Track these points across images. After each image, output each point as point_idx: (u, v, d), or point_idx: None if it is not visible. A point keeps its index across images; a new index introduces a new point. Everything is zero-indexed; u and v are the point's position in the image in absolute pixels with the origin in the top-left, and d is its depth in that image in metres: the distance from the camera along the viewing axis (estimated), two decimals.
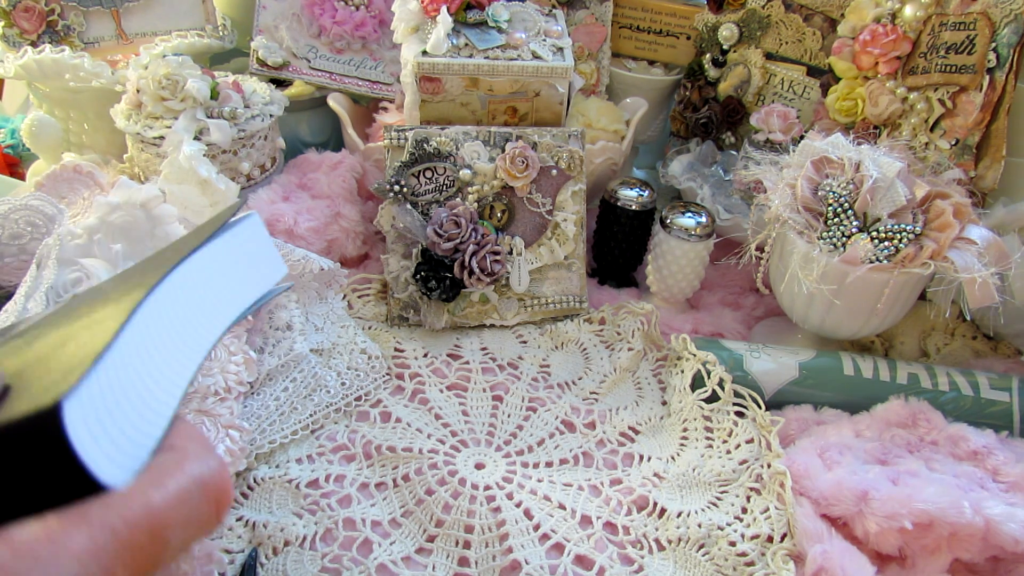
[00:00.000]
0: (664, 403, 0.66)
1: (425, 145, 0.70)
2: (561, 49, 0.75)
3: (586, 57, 0.92)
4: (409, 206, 0.70)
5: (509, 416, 0.63)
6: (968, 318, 0.72)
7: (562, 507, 0.55)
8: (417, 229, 0.70)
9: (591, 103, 0.86)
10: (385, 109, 0.86)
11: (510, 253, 0.72)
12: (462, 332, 0.71)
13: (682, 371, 0.65)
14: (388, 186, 0.70)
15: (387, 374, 0.65)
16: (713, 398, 0.62)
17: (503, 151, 0.71)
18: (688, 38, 0.93)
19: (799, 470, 0.55)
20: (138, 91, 0.71)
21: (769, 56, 0.87)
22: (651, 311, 0.70)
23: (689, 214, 0.73)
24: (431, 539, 0.52)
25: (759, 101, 0.88)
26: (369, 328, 0.70)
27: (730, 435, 0.60)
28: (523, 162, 0.70)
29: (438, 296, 0.68)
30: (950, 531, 0.49)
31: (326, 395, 0.61)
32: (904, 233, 0.60)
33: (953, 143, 0.72)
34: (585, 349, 0.70)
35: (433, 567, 0.51)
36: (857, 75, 0.77)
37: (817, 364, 0.65)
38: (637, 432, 0.62)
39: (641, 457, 0.60)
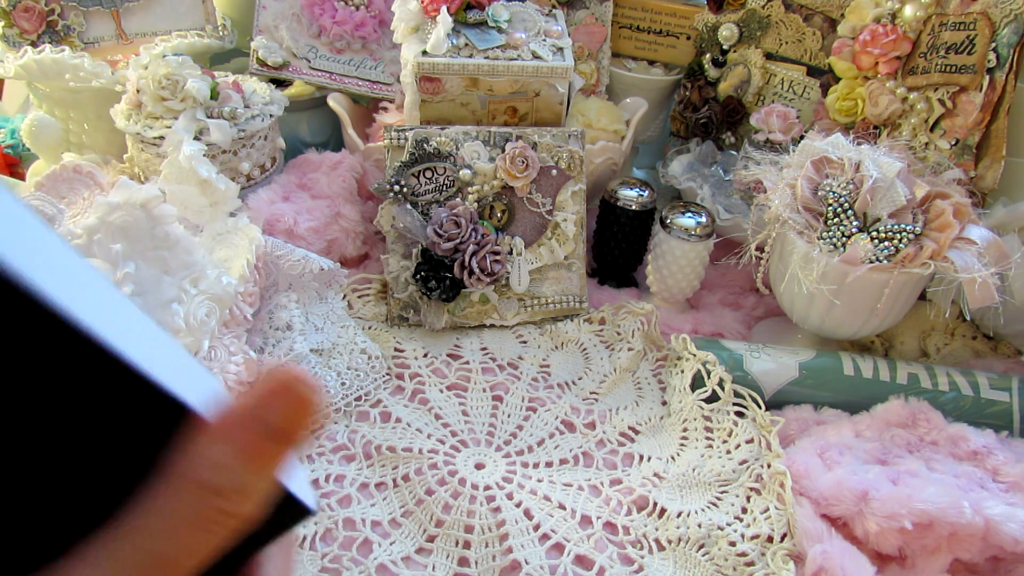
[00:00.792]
0: (664, 403, 0.66)
1: (425, 145, 0.70)
2: (561, 49, 0.75)
3: (586, 57, 0.92)
4: (409, 206, 0.70)
5: (509, 416, 0.63)
6: (968, 318, 0.72)
7: (562, 507, 0.55)
8: (417, 229, 0.70)
9: (591, 103, 0.86)
10: (385, 109, 0.86)
11: (510, 253, 0.72)
12: (462, 332, 0.71)
13: (682, 371, 0.65)
14: (388, 186, 0.70)
15: (387, 374, 0.65)
16: (713, 398, 0.62)
17: (503, 151, 0.71)
18: (688, 38, 0.93)
19: (799, 470, 0.55)
20: (138, 91, 0.71)
21: (769, 56, 0.87)
22: (651, 311, 0.70)
23: (689, 214, 0.73)
24: (431, 539, 0.52)
25: (759, 101, 0.88)
26: (369, 328, 0.70)
27: (730, 435, 0.60)
28: (523, 162, 0.70)
29: (438, 296, 0.68)
30: (950, 531, 0.49)
31: (326, 395, 0.61)
32: (904, 233, 0.60)
33: (953, 143, 0.72)
34: (585, 349, 0.70)
35: (433, 567, 0.51)
36: (857, 75, 0.77)
37: (817, 364, 0.65)
38: (637, 432, 0.62)
39: (641, 457, 0.60)
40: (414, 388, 0.64)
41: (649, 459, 0.60)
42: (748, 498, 0.56)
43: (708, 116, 0.89)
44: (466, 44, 0.73)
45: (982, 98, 0.69)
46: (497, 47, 0.73)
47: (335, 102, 0.86)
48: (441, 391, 0.64)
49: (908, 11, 0.73)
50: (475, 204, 0.71)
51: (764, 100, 0.88)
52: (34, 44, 0.79)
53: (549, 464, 0.59)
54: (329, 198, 0.76)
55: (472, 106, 0.75)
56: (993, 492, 0.53)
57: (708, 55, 0.90)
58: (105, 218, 0.55)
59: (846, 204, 0.62)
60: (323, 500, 0.54)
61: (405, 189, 0.70)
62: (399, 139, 0.71)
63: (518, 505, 0.55)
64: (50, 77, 0.76)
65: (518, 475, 0.57)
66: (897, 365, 0.65)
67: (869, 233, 0.61)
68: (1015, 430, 0.61)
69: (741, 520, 0.54)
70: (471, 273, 0.69)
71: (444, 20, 0.72)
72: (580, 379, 0.67)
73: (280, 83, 0.87)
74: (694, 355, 0.65)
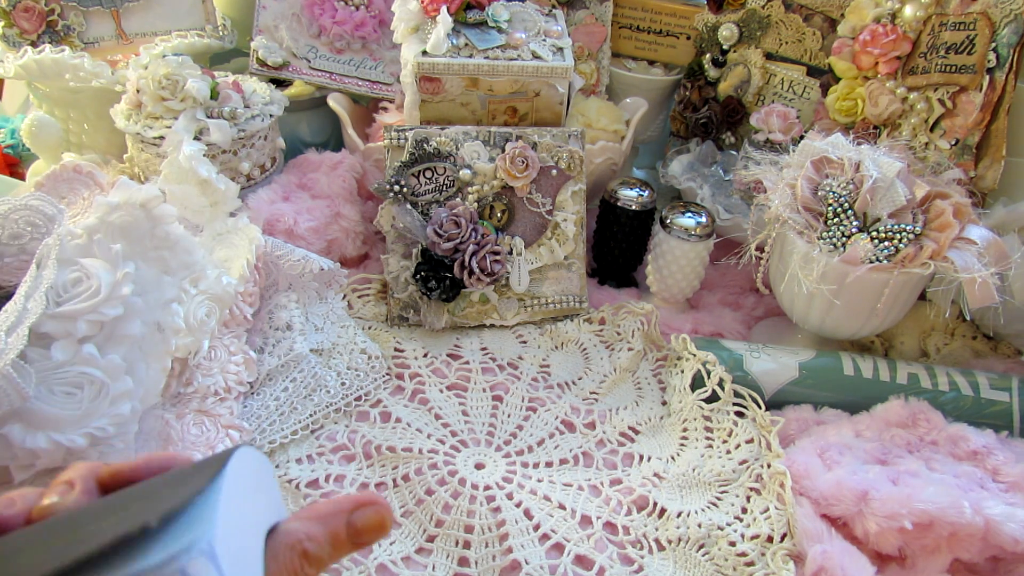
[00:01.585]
0: (664, 403, 0.66)
1: (425, 145, 0.70)
2: (561, 49, 0.75)
3: (586, 57, 0.92)
4: (409, 206, 0.70)
5: (509, 416, 0.63)
6: (968, 318, 0.72)
7: (562, 507, 0.55)
8: (417, 229, 0.70)
9: (591, 103, 0.86)
10: (385, 109, 0.86)
11: (510, 253, 0.72)
12: (462, 332, 0.71)
13: (682, 371, 0.65)
14: (388, 186, 0.70)
15: (387, 374, 0.65)
16: (713, 398, 0.62)
17: (503, 151, 0.71)
18: (688, 38, 0.93)
19: (799, 470, 0.55)
20: (138, 91, 0.71)
21: (769, 56, 0.87)
22: (651, 311, 0.70)
23: (689, 214, 0.73)
24: (431, 539, 0.52)
25: (759, 101, 0.88)
26: (369, 328, 0.70)
27: (730, 435, 0.60)
28: (523, 162, 0.70)
29: (438, 296, 0.68)
30: (950, 531, 0.49)
31: (326, 395, 0.61)
32: (904, 233, 0.60)
33: (953, 143, 0.72)
34: (585, 349, 0.70)
35: (433, 567, 0.51)
36: (857, 75, 0.77)
37: (817, 364, 0.65)
38: (637, 432, 0.62)
39: (641, 457, 0.60)
40: (414, 388, 0.64)
41: (649, 459, 0.60)
42: (748, 498, 0.56)
43: (708, 116, 0.89)
44: (466, 44, 0.73)
45: (982, 98, 0.69)
46: (497, 47, 0.73)
47: (335, 102, 0.86)
48: (441, 391, 0.64)
49: (908, 11, 0.73)
50: (475, 204, 0.71)
51: (764, 100, 0.88)
52: (34, 44, 0.79)
53: (549, 464, 0.59)
54: (329, 198, 0.76)
55: (472, 106, 0.75)
56: (993, 492, 0.53)
57: (708, 55, 0.90)
58: (105, 218, 0.55)
59: (846, 204, 0.62)
60: (323, 500, 0.54)
61: (405, 189, 0.70)
62: (399, 139, 0.71)
63: (518, 505, 0.55)
64: (50, 77, 0.76)
65: (518, 475, 0.57)
66: (897, 365, 0.65)
67: (869, 233, 0.61)
68: (1015, 430, 0.61)
69: (741, 520, 0.54)
70: (471, 273, 0.69)
71: (444, 20, 0.72)
72: (580, 379, 0.67)
73: (280, 83, 0.87)
74: (694, 355, 0.65)
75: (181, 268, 0.57)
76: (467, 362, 0.67)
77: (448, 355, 0.68)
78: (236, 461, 0.24)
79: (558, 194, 0.73)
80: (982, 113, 0.69)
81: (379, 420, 0.61)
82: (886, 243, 0.60)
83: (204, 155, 0.68)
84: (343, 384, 0.63)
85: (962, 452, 0.57)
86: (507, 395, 0.64)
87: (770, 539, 0.52)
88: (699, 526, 0.53)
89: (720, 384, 0.62)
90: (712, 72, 0.90)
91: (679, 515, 0.54)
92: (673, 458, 0.60)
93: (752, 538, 0.52)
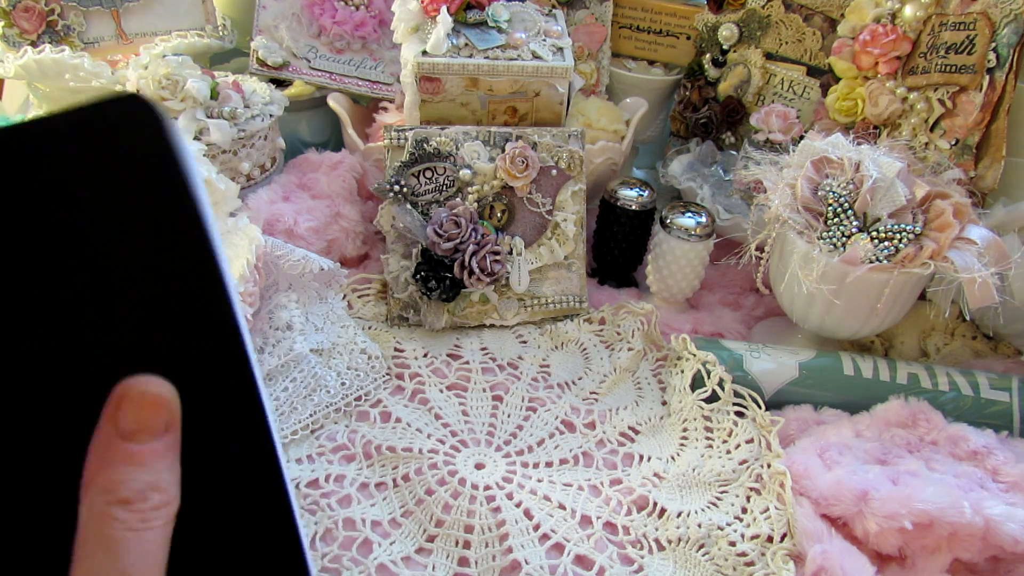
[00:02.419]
0: (664, 403, 0.66)
1: (425, 145, 0.70)
2: (561, 49, 0.75)
3: (586, 57, 0.92)
4: (409, 206, 0.70)
5: (509, 416, 0.63)
6: (968, 318, 0.72)
7: (562, 507, 0.55)
8: (417, 229, 0.70)
9: (591, 103, 0.86)
10: (385, 109, 0.86)
11: (510, 253, 0.72)
12: (462, 332, 0.71)
13: (682, 371, 0.65)
14: (388, 186, 0.70)
15: (387, 374, 0.65)
16: (713, 398, 0.62)
17: (503, 151, 0.71)
18: (688, 38, 0.93)
19: (799, 470, 0.55)
20: (138, 91, 0.71)
21: (769, 56, 0.87)
22: (651, 311, 0.70)
23: (689, 214, 0.73)
24: (431, 539, 0.52)
25: (759, 101, 0.88)
26: (369, 328, 0.70)
27: (730, 435, 0.60)
28: (523, 162, 0.70)
29: (438, 296, 0.68)
30: (950, 531, 0.49)
31: (326, 395, 0.61)
32: (904, 233, 0.60)
33: (953, 143, 0.72)
34: (585, 349, 0.70)
35: (433, 567, 0.51)
36: (857, 75, 0.77)
37: (817, 364, 0.65)
38: (637, 432, 0.62)
39: (641, 457, 0.60)
40: (414, 388, 0.64)
41: (649, 459, 0.60)
42: (748, 498, 0.56)
43: (708, 116, 0.89)
44: (466, 44, 0.73)
45: (982, 98, 0.69)
46: (497, 47, 0.73)
47: (335, 102, 0.86)
48: (441, 391, 0.64)
49: (908, 11, 0.73)
50: (475, 204, 0.71)
51: (764, 100, 0.88)
52: (34, 44, 0.79)
53: (549, 464, 0.59)
54: (329, 198, 0.76)
55: (472, 106, 0.75)
56: (993, 492, 0.53)
57: (708, 55, 0.90)
58: None
59: (846, 204, 0.62)
60: (323, 500, 0.54)
61: (405, 189, 0.70)
62: (399, 139, 0.71)
63: (518, 505, 0.55)
64: (50, 77, 0.76)
65: (518, 475, 0.57)
66: (897, 365, 0.65)
67: (869, 233, 0.61)
68: (1015, 430, 0.61)
69: (741, 520, 0.54)
70: (471, 273, 0.69)
71: (444, 20, 0.72)
72: (580, 379, 0.67)
73: (280, 83, 0.87)
74: (694, 355, 0.65)
75: None
76: (467, 362, 0.67)
77: (448, 355, 0.68)
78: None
79: (558, 194, 0.73)
80: (982, 113, 0.69)
81: (379, 420, 0.61)
82: (886, 243, 0.60)
83: (204, 155, 0.68)
84: (343, 384, 0.63)
85: (962, 452, 0.57)
86: (507, 395, 0.64)
87: (770, 539, 0.52)
88: (699, 526, 0.53)
89: (720, 384, 0.62)
90: (712, 72, 0.90)
91: (679, 515, 0.54)
92: (673, 458, 0.60)
93: (752, 538, 0.52)
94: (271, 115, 0.75)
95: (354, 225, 0.76)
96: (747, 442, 0.59)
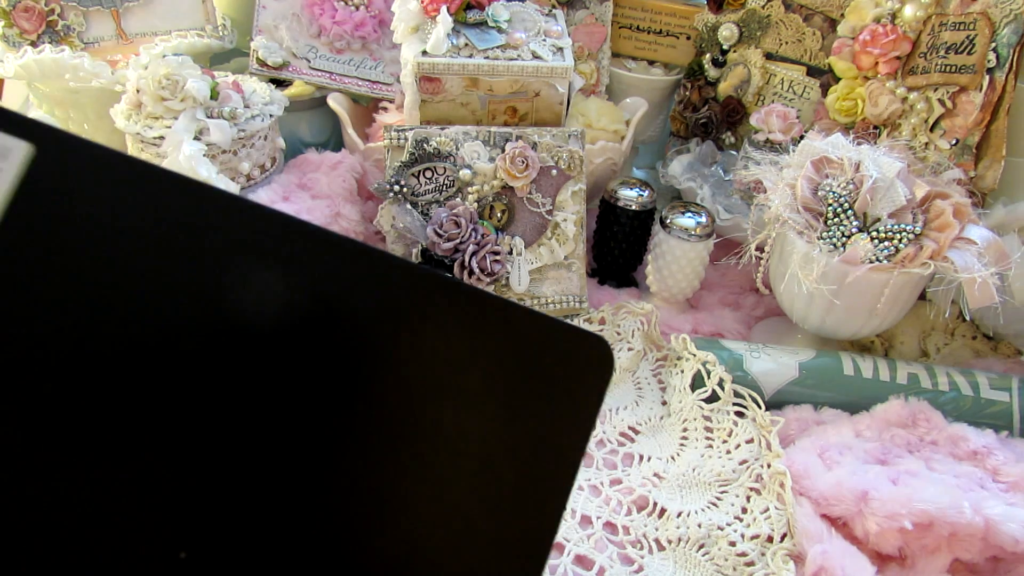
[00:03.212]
0: (664, 403, 0.66)
1: (425, 145, 0.70)
2: (561, 49, 0.75)
3: (586, 57, 0.92)
4: (409, 206, 0.70)
5: None
6: (968, 318, 0.72)
7: None
8: (417, 229, 0.70)
9: (591, 103, 0.86)
10: (385, 109, 0.86)
11: (510, 253, 0.72)
12: None
13: (682, 371, 0.65)
14: (388, 186, 0.70)
15: None
16: (713, 398, 0.62)
17: (503, 151, 0.71)
18: (688, 38, 0.93)
19: (799, 470, 0.55)
20: (138, 91, 0.71)
21: (769, 56, 0.87)
22: (651, 311, 0.70)
23: (689, 214, 0.73)
24: None
25: (759, 101, 0.88)
26: None
27: (730, 435, 0.60)
28: (523, 162, 0.70)
29: None
30: (950, 531, 0.49)
31: None
32: (904, 233, 0.60)
33: (953, 143, 0.72)
34: None
35: None
36: (857, 75, 0.77)
37: (817, 364, 0.65)
38: (637, 432, 0.62)
39: (641, 457, 0.60)
40: None
41: (649, 459, 0.60)
42: (748, 498, 0.56)
43: (708, 116, 0.89)
44: (466, 44, 0.73)
45: (982, 98, 0.69)
46: (497, 47, 0.73)
47: (335, 102, 0.86)
48: None
49: (908, 11, 0.73)
50: (475, 204, 0.71)
51: (764, 100, 0.88)
52: (34, 44, 0.79)
53: None
54: (329, 198, 0.76)
55: (472, 106, 0.75)
56: (993, 492, 0.53)
57: (708, 55, 0.90)
58: None
59: (846, 204, 0.62)
60: None
61: (405, 189, 0.70)
62: (399, 139, 0.71)
63: None
64: (50, 77, 0.76)
65: None
66: (897, 365, 0.65)
67: (869, 233, 0.61)
68: (1015, 430, 0.61)
69: (741, 520, 0.54)
70: (471, 273, 0.69)
71: (444, 20, 0.72)
72: None
73: (280, 83, 0.87)
74: (694, 355, 0.65)
75: None
76: None
77: None
78: None
79: (558, 194, 0.73)
80: (982, 113, 0.69)
81: None
82: (886, 243, 0.60)
83: (204, 155, 0.68)
84: None
85: (962, 452, 0.57)
86: None
87: (770, 539, 0.52)
88: (699, 526, 0.53)
89: (720, 384, 0.62)
90: (712, 72, 0.90)
91: (679, 515, 0.54)
92: (673, 458, 0.60)
93: (752, 538, 0.52)
94: (271, 115, 0.75)
95: (354, 225, 0.76)
96: (747, 442, 0.59)
